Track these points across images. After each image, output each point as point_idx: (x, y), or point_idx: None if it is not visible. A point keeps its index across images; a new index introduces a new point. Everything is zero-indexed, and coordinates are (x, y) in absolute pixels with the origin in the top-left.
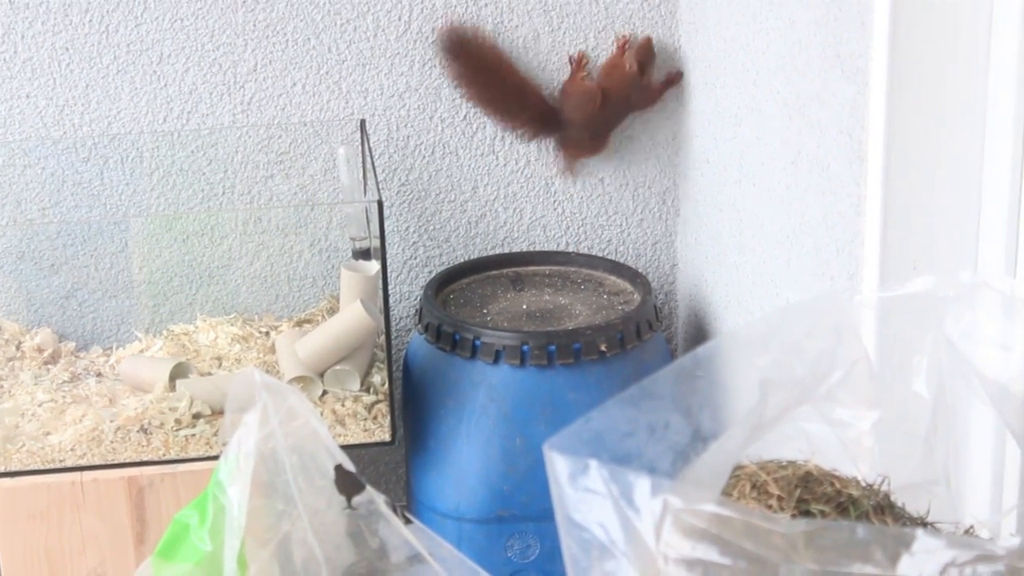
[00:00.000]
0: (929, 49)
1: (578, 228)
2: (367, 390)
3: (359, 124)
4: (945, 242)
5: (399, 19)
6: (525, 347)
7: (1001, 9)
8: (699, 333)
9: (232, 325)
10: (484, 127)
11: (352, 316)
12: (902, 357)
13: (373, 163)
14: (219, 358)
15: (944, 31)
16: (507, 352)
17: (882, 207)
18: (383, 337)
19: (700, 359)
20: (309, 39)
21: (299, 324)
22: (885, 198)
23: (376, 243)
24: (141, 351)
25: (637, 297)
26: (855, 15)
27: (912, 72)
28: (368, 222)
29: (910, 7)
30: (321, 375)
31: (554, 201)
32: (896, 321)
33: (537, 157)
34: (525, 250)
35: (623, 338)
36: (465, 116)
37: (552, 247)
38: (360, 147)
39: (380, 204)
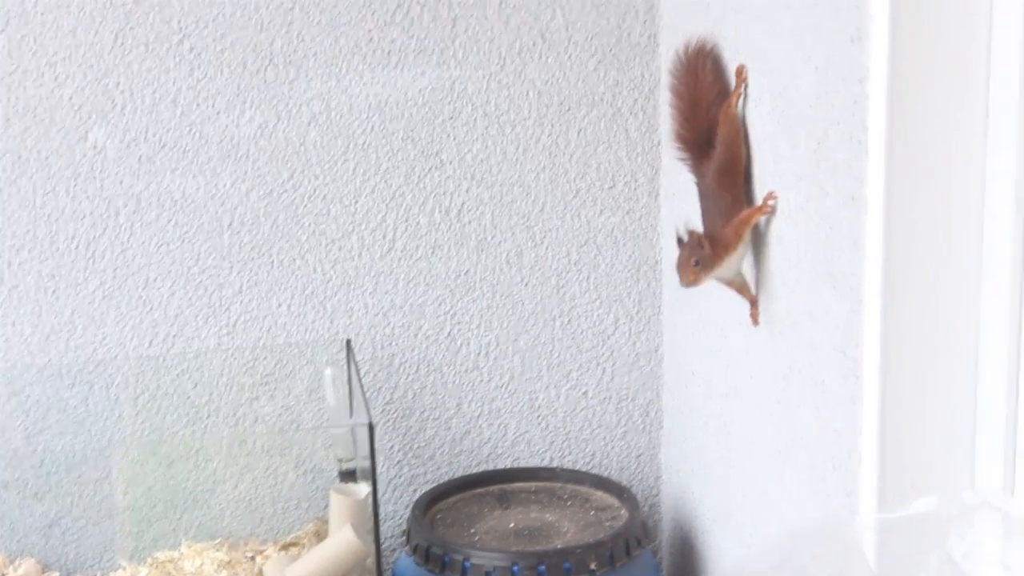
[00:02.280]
0: (921, 268)
1: (562, 442)
2: None
3: (345, 344)
4: (942, 460)
5: (383, 238)
6: (515, 568)
7: (991, 222)
8: (685, 547)
9: (217, 551)
10: (467, 343)
11: (343, 541)
12: None
13: (361, 383)
14: None
15: (935, 249)
16: (497, 573)
17: (879, 425)
18: (370, 560)
19: None
20: (294, 260)
21: (285, 548)
22: (882, 416)
23: (363, 464)
24: None
25: (624, 512)
26: (846, 234)
27: (905, 291)
28: (355, 443)
29: (902, 227)
30: None
31: (538, 416)
32: (900, 542)
33: (521, 371)
34: (510, 466)
35: (612, 556)
36: (449, 333)
37: (536, 462)
38: (346, 367)
39: (371, 427)
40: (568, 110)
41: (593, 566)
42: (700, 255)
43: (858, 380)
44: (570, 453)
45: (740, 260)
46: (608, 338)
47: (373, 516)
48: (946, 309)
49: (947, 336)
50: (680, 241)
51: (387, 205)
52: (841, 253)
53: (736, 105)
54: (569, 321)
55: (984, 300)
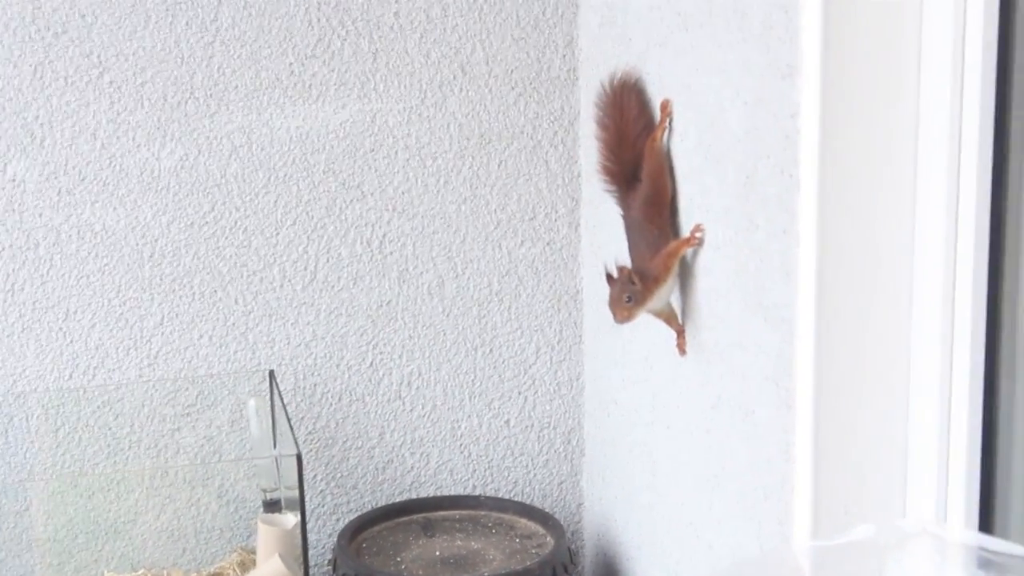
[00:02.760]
0: (853, 299)
1: (485, 471)
2: None
3: (268, 375)
4: (875, 489)
5: (305, 269)
6: None
7: (921, 255)
8: (609, 573)
9: None
10: (390, 373)
11: (272, 571)
12: None
13: (287, 414)
14: None
15: (866, 280)
16: None
17: (813, 454)
18: None
19: None
20: (216, 291)
21: None
22: (815, 446)
23: (287, 494)
24: None
25: (549, 540)
26: (778, 266)
27: (838, 322)
28: (279, 473)
29: (834, 260)
30: None
31: (460, 445)
32: (843, 570)
33: (443, 401)
34: (434, 495)
35: None
36: (371, 363)
37: (459, 490)
38: (269, 398)
39: (299, 457)
40: (489, 142)
41: None
42: (631, 291)
43: (790, 410)
44: (492, 481)
45: (670, 292)
46: (530, 367)
47: (302, 545)
48: (878, 339)
49: (879, 366)
50: (610, 278)
51: (308, 237)
52: (772, 284)
53: (661, 139)
54: (491, 351)
55: (915, 330)
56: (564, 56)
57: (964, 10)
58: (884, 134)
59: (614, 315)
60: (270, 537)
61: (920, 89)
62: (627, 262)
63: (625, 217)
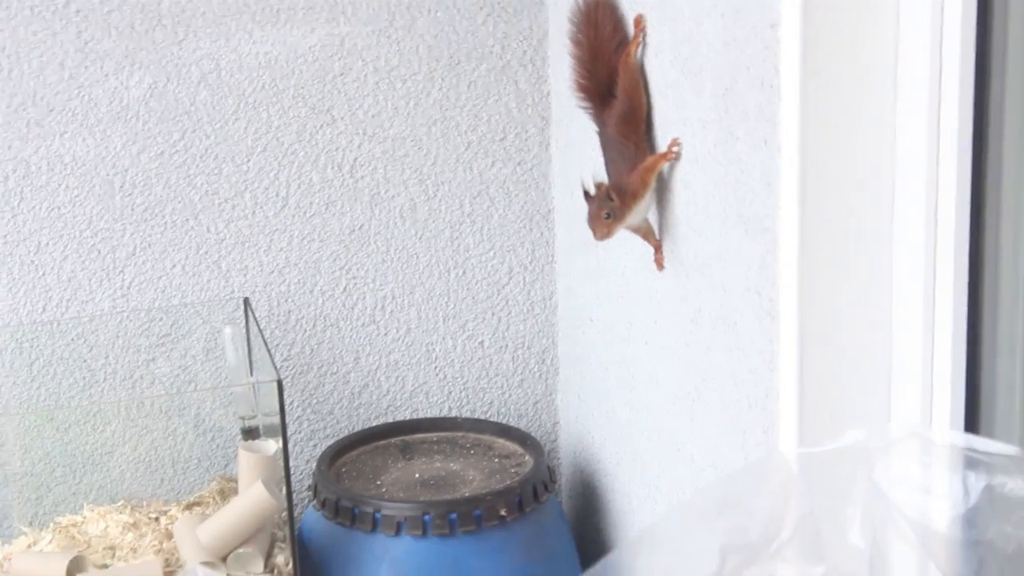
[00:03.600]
0: (835, 207)
1: (460, 392)
2: (271, 571)
3: (243, 302)
4: (859, 395)
5: (277, 195)
6: (426, 517)
7: (903, 162)
8: (586, 490)
9: (121, 513)
10: (364, 298)
11: (255, 497)
12: (839, 509)
13: (265, 341)
14: (112, 548)
15: (848, 188)
16: (408, 523)
17: (798, 363)
18: (279, 516)
19: (659, 530)
20: (187, 220)
21: (189, 507)
22: (800, 354)
23: (265, 420)
24: (29, 546)
25: (528, 459)
26: (759, 177)
27: (821, 230)
28: (257, 400)
29: (816, 169)
30: (223, 559)
31: (435, 367)
32: (832, 474)
33: (418, 324)
34: (410, 418)
35: (521, 501)
36: (345, 288)
37: (435, 412)
38: (245, 325)
39: (280, 383)
40: (458, 63)
41: (503, 512)
42: (610, 207)
43: (774, 320)
44: (468, 403)
45: (648, 207)
46: (503, 288)
47: (284, 471)
48: (860, 246)
49: (862, 272)
50: (587, 195)
51: (279, 163)
52: (753, 196)
53: (635, 55)
54: (464, 272)
55: (897, 236)
56: None
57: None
58: (865, 43)
59: (594, 232)
60: (251, 464)
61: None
62: (604, 179)
63: (601, 134)
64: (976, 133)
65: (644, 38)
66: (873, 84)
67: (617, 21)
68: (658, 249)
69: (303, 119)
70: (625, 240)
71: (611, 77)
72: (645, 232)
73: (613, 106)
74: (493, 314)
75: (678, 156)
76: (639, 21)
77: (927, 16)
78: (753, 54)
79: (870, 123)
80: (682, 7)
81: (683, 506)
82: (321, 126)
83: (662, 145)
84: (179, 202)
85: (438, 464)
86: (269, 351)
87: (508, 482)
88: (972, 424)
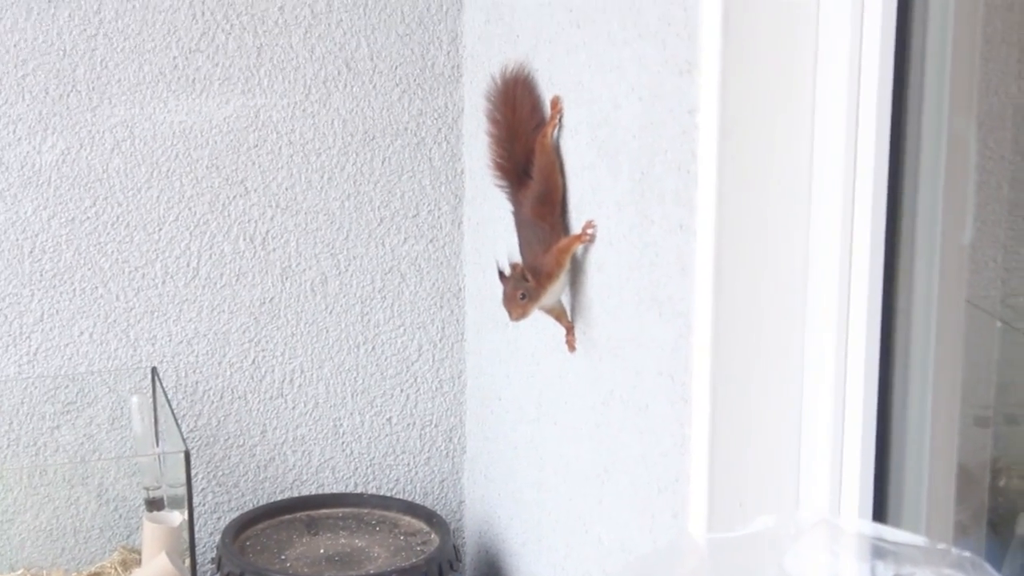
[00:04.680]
0: (749, 293)
1: (367, 468)
2: None
3: (151, 372)
4: (770, 480)
5: (187, 265)
6: None
7: (817, 249)
8: (492, 570)
9: None
10: (272, 371)
11: (159, 569)
12: None
13: (172, 411)
14: None
15: (763, 274)
16: None
17: (709, 447)
18: None
19: None
20: (97, 287)
21: None
22: (712, 439)
23: (170, 491)
24: None
25: (434, 537)
26: (673, 260)
27: (734, 316)
28: (162, 471)
29: (731, 254)
30: None
31: (343, 443)
32: (742, 560)
33: (326, 398)
34: (317, 492)
35: None
36: (254, 360)
37: (341, 488)
38: (152, 395)
39: (187, 454)
40: (373, 139)
41: None
42: (525, 287)
43: (686, 404)
44: (375, 479)
45: (562, 288)
46: (412, 364)
47: (189, 543)
48: (773, 333)
49: (774, 359)
50: (502, 275)
51: (191, 233)
52: (668, 280)
53: (551, 136)
54: (373, 348)
55: (810, 324)
56: (448, 53)
57: (861, 10)
58: (782, 130)
59: (509, 313)
60: (156, 535)
61: (816, 86)
62: (518, 260)
63: (516, 214)
64: (890, 214)
65: (561, 119)
66: (789, 170)
67: (535, 101)
68: (570, 331)
69: (216, 190)
70: (536, 320)
71: (528, 157)
72: (558, 314)
73: (529, 186)
74: (402, 391)
75: (592, 238)
76: (555, 102)
77: (843, 102)
78: (670, 138)
79: (786, 209)
80: (600, 90)
81: None
82: (234, 197)
83: (576, 227)
84: (88, 269)
85: (343, 540)
86: (176, 421)
87: (414, 560)
88: (881, 514)
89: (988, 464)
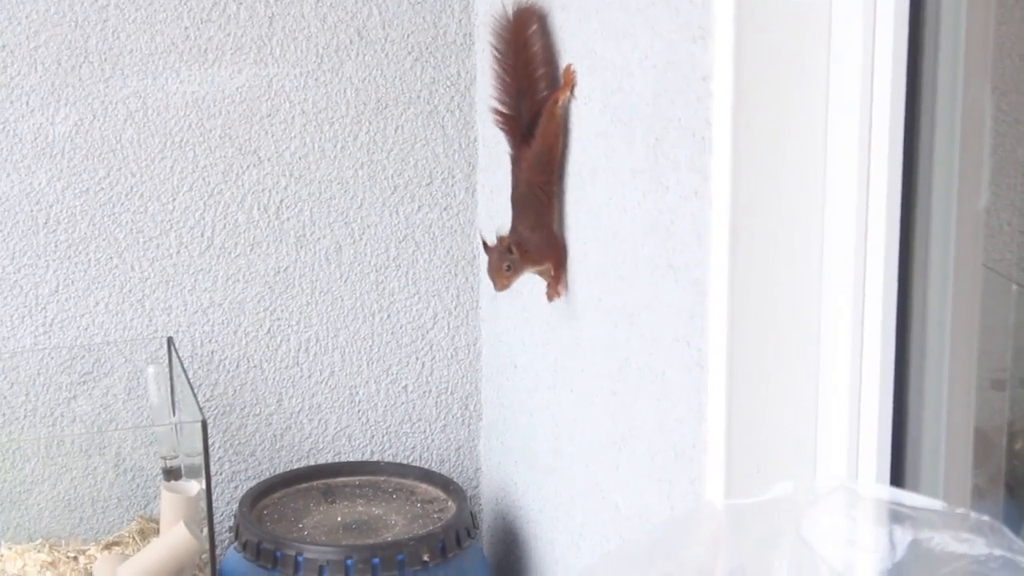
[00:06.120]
0: (765, 260)
1: (383, 436)
2: None
3: (166, 342)
4: (786, 448)
5: (202, 235)
6: (349, 561)
7: (833, 214)
8: (508, 537)
9: (39, 551)
10: (288, 340)
11: (177, 538)
12: (767, 562)
13: (189, 381)
14: None
15: (779, 241)
16: (331, 567)
17: (726, 413)
18: (201, 557)
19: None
20: (112, 258)
21: (108, 547)
22: (729, 404)
23: (187, 461)
24: None
25: (451, 504)
26: (688, 227)
27: (750, 282)
28: (179, 440)
29: (746, 221)
30: None
31: (359, 411)
32: (760, 526)
33: (341, 367)
34: (333, 461)
35: (444, 547)
36: (269, 330)
37: (358, 456)
38: (168, 365)
39: (204, 424)
40: (386, 107)
41: (426, 557)
42: (510, 259)
43: (703, 370)
44: (391, 447)
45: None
46: (427, 332)
47: (207, 512)
48: (789, 299)
49: (790, 325)
50: (487, 246)
51: (205, 203)
52: (684, 247)
53: (562, 103)
54: (388, 316)
55: (826, 289)
56: (460, 21)
57: None
58: (795, 96)
59: (493, 283)
60: (174, 504)
61: (831, 53)
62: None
63: (513, 171)
64: (906, 182)
65: (573, 89)
66: (804, 136)
67: (548, 49)
68: (552, 283)
69: (229, 159)
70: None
71: (533, 117)
72: (542, 271)
73: (531, 145)
74: (417, 359)
75: (561, 293)
76: (568, 72)
77: (858, 68)
78: (684, 105)
79: (800, 175)
80: (613, 57)
81: (614, 554)
82: (247, 167)
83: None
84: (103, 240)
85: (360, 508)
86: (193, 391)
87: (431, 527)
88: (898, 478)
89: (1005, 428)
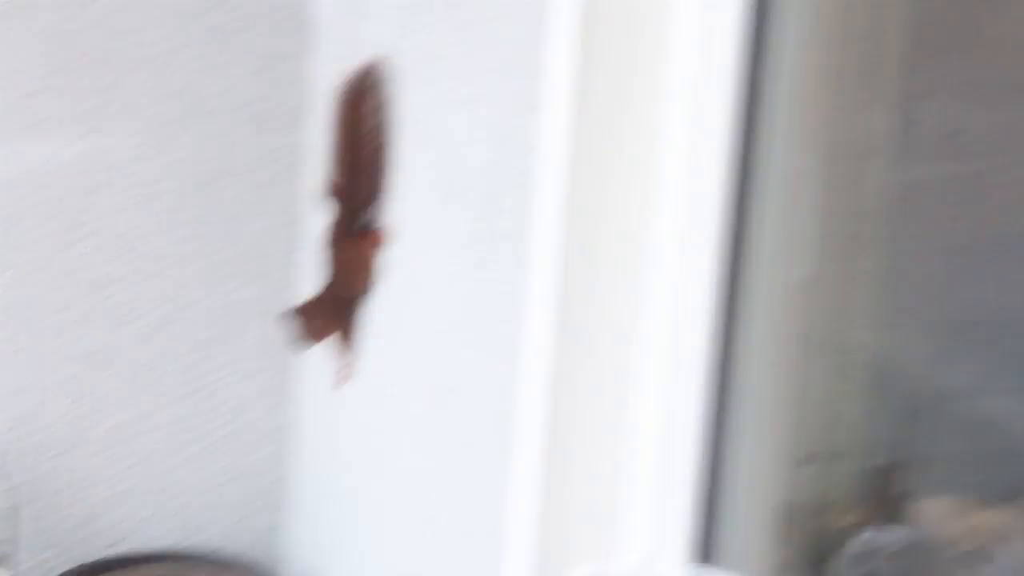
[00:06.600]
0: (584, 335)
1: (195, 522)
2: None
3: None
4: (595, 529)
5: (13, 315)
6: None
7: (651, 290)
8: None
9: None
10: (100, 423)
11: None
12: None
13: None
14: None
15: (595, 320)
16: None
17: (540, 494)
18: None
19: None
20: None
21: None
22: (546, 483)
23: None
24: None
25: None
26: (512, 302)
27: (569, 356)
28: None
29: (568, 296)
30: None
31: (171, 495)
32: None
33: (155, 450)
34: (141, 548)
35: None
36: (80, 413)
37: (169, 543)
38: None
39: (14, 510)
40: (214, 180)
41: None
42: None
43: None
44: (202, 533)
45: None
46: (242, 414)
47: None
48: (604, 373)
49: (600, 407)
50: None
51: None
52: (506, 322)
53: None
54: (203, 398)
55: (639, 370)
56: (296, 92)
57: (708, 53)
58: (624, 171)
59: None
60: None
61: (659, 128)
62: None
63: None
64: (731, 255)
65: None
66: (632, 213)
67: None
68: (347, 364)
69: (60, 233)
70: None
71: (367, 195)
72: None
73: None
74: (231, 441)
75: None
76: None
77: (683, 146)
78: (512, 178)
79: (624, 255)
80: (446, 128)
81: None
82: (74, 241)
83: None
84: None
85: None
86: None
87: None
88: (706, 554)
89: (813, 503)
